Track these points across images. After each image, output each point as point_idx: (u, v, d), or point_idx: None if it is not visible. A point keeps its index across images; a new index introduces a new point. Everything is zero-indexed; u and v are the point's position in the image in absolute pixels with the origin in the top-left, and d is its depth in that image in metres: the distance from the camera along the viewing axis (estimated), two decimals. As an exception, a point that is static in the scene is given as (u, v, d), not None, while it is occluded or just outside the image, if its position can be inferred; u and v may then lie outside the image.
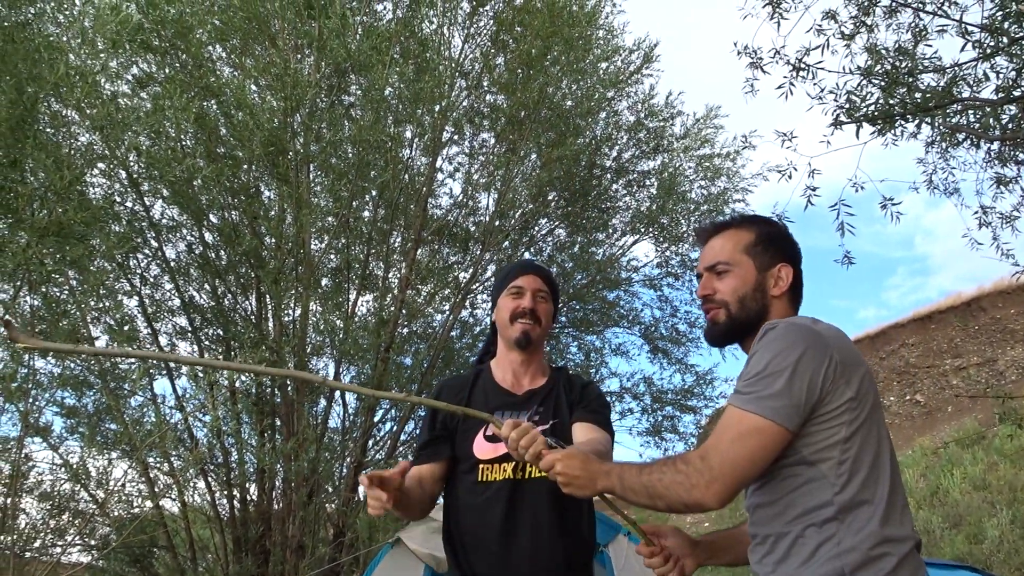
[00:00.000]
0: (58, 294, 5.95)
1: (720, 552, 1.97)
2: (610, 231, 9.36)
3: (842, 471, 1.54)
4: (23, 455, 5.82)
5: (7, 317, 5.66)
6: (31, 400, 5.78)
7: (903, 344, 19.33)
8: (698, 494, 1.52)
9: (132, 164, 6.56)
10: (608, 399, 2.36)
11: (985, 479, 12.79)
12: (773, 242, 1.82)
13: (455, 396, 2.34)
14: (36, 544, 6.37)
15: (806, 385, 1.51)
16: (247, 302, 7.63)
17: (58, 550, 6.29)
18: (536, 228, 9.19)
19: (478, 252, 8.66)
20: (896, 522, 1.55)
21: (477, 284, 9.03)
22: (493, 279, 2.33)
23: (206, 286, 7.48)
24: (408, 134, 7.82)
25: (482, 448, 2.24)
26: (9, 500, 5.66)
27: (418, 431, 8.94)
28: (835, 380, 1.54)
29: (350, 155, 7.17)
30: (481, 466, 2.22)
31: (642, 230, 9.23)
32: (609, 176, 9.07)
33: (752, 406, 1.52)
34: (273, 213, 7.32)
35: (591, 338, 9.70)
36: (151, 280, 7.21)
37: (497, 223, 8.54)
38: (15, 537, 5.86)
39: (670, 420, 9.19)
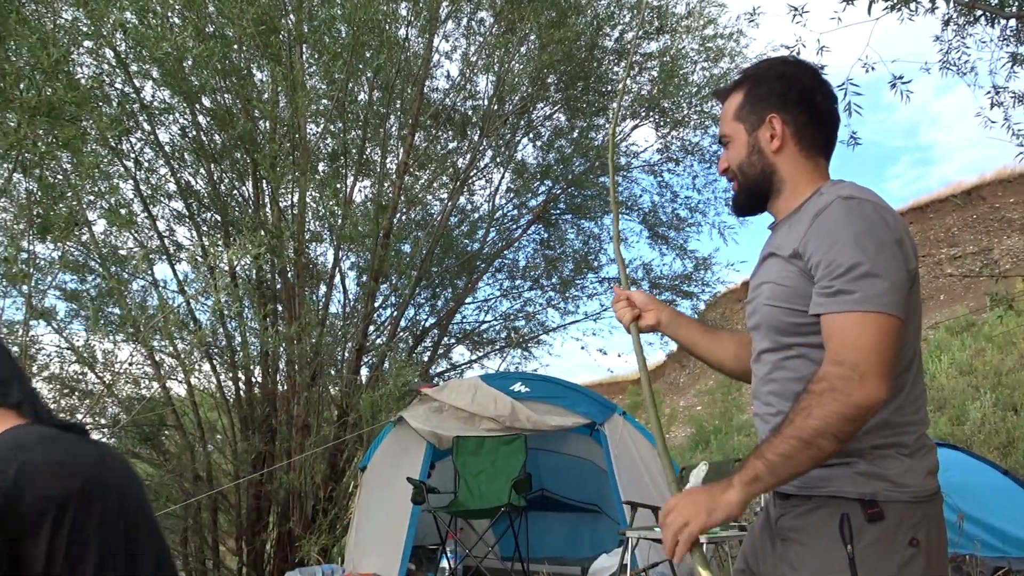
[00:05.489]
0: (51, 178, 5.88)
1: (683, 326, 1.95)
2: (610, 115, 9.18)
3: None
4: (29, 337, 5.90)
5: None
6: (33, 283, 5.81)
7: (900, 233, 19.35)
8: (858, 395, 1.36)
9: (119, 43, 6.36)
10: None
11: (971, 364, 13.10)
12: (760, 95, 1.65)
13: None
14: (48, 423, 6.55)
15: (905, 271, 1.44)
16: (244, 187, 7.56)
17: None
18: (535, 112, 9.01)
19: (476, 137, 8.52)
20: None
21: (475, 171, 8.94)
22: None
23: (202, 171, 7.40)
24: (403, 11, 7.55)
25: None
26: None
27: (418, 318, 9.11)
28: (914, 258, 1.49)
29: (344, 35, 6.94)
30: None
31: (643, 114, 9.05)
32: (610, 58, 8.81)
33: (869, 305, 1.39)
34: (267, 96, 7.15)
35: (589, 224, 9.70)
36: (146, 164, 7.12)
37: (496, 107, 8.36)
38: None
39: (668, 304, 9.28)
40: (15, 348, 5.90)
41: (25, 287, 5.74)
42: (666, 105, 8.89)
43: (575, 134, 9.16)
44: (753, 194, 1.69)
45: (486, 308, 9.66)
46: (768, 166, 1.65)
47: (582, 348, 9.62)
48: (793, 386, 1.55)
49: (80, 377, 6.78)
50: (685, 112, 8.99)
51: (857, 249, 1.42)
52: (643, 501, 5.30)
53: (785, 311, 1.54)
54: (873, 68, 4.90)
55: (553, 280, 9.63)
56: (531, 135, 9.27)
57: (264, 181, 7.15)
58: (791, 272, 1.53)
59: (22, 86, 4.94)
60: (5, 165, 5.26)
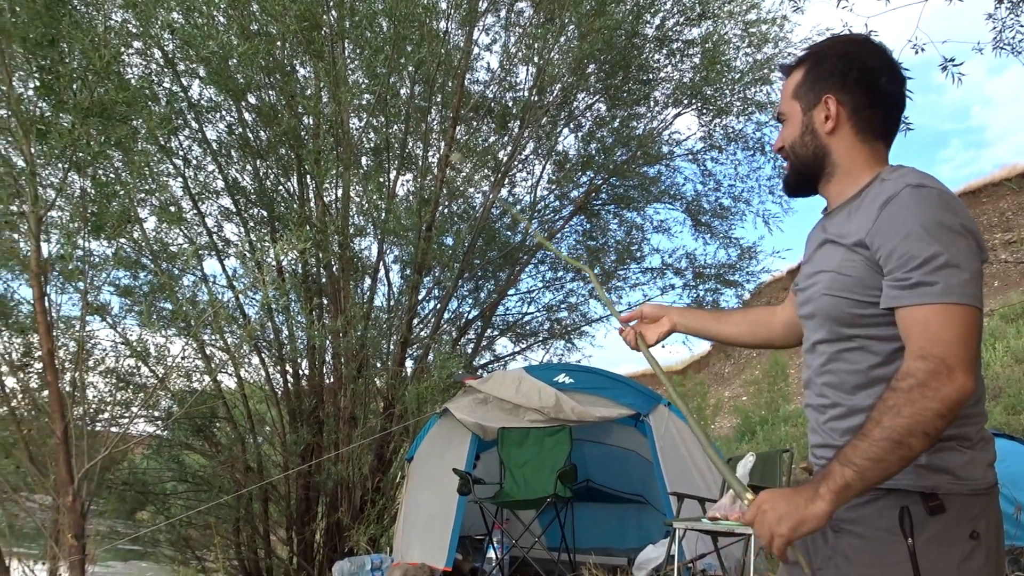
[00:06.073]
0: (104, 176, 6.03)
1: (693, 320, 2.02)
2: (651, 104, 9.09)
3: None
4: (85, 332, 6.07)
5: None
6: (88, 280, 5.97)
7: (951, 219, 18.86)
8: (947, 390, 1.31)
9: (167, 43, 6.49)
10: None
11: (1028, 352, 12.72)
12: (820, 74, 1.61)
13: None
14: (104, 416, 6.75)
15: (978, 262, 1.41)
16: (289, 183, 7.67)
17: (125, 421, 6.66)
18: (575, 103, 8.96)
19: (516, 130, 8.50)
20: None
21: (516, 163, 8.93)
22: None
23: (248, 167, 7.52)
24: (443, 5, 7.57)
25: None
26: (77, 375, 5.95)
27: (462, 310, 9.17)
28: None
29: (385, 29, 6.98)
30: None
31: (685, 102, 8.95)
32: (651, 46, 8.72)
33: (951, 297, 1.35)
34: (310, 92, 7.24)
35: (632, 215, 9.64)
36: (194, 161, 7.26)
37: (536, 98, 8.34)
38: (84, 409, 6.19)
39: (712, 294, 9.20)
40: (72, 343, 6.09)
41: (81, 283, 5.90)
42: (708, 92, 8.77)
43: (616, 123, 9.09)
44: (804, 175, 1.66)
45: (529, 299, 9.68)
46: (820, 148, 1.62)
47: (625, 339, 9.57)
48: (851, 378, 1.52)
49: (134, 371, 6.96)
50: (728, 99, 8.86)
51: (933, 239, 1.37)
52: (689, 492, 5.27)
53: (848, 301, 1.49)
54: (923, 49, 4.78)
55: (596, 271, 9.59)
56: (572, 125, 9.23)
57: (309, 176, 7.24)
58: (855, 262, 1.48)
59: (75, 87, 5.07)
60: (60, 165, 5.41)
